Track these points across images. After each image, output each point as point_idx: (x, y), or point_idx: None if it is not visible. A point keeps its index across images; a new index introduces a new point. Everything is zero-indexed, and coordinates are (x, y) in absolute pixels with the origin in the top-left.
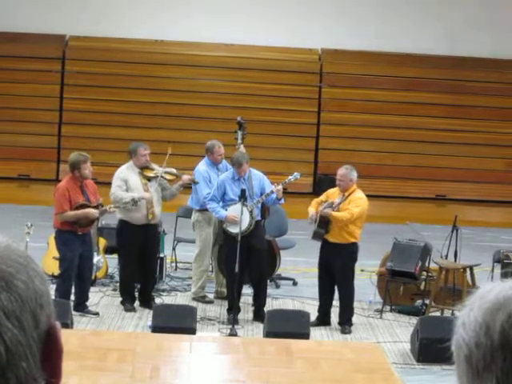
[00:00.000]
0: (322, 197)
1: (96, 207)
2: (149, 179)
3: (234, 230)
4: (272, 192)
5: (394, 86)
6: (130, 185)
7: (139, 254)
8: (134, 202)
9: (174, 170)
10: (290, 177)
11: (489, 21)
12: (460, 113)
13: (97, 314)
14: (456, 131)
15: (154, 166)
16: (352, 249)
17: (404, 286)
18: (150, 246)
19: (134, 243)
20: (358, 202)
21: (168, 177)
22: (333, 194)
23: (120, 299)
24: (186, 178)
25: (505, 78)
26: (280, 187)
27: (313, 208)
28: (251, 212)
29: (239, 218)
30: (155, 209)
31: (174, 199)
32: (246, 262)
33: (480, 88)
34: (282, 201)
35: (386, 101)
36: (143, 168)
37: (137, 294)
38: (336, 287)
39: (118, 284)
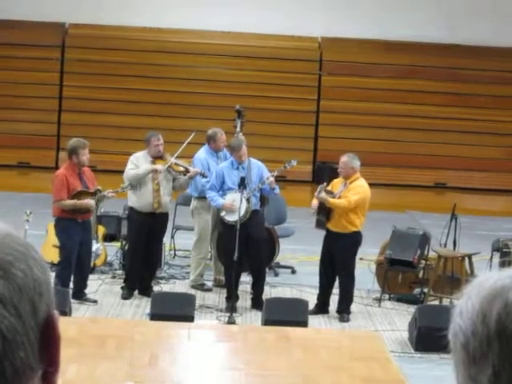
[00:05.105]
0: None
1: (94, 193)
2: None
3: (230, 218)
4: (267, 179)
5: (394, 74)
6: None
7: (145, 242)
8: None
9: (184, 164)
10: (287, 164)
11: (489, 8)
12: (460, 101)
13: (95, 301)
14: (456, 119)
15: (167, 156)
16: (353, 238)
17: (402, 274)
18: (155, 235)
19: (140, 230)
20: (358, 189)
21: (177, 168)
22: (337, 183)
23: (119, 286)
24: (194, 170)
25: (505, 67)
26: (271, 179)
27: (315, 199)
28: (248, 200)
29: (237, 206)
30: (163, 198)
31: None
32: (245, 251)
33: (480, 76)
34: (277, 190)
35: (385, 89)
36: (156, 158)
37: None
38: (337, 276)
39: (116, 272)
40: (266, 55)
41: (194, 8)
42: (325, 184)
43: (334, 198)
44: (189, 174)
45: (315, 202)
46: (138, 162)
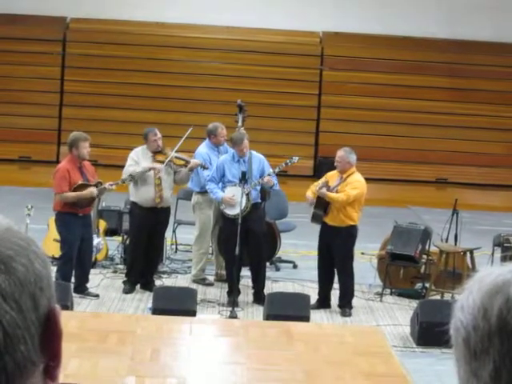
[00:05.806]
0: (322, 180)
1: (95, 186)
2: (160, 164)
3: (230, 211)
4: (269, 175)
5: (395, 69)
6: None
7: (147, 237)
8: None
9: (184, 156)
10: (288, 161)
11: (490, 4)
12: (461, 96)
13: (97, 296)
14: (457, 115)
15: (167, 150)
16: (350, 232)
17: (404, 269)
18: (157, 230)
19: (142, 225)
20: (356, 184)
21: (177, 162)
22: (332, 176)
23: (121, 280)
24: (194, 161)
25: (506, 62)
26: (267, 179)
27: (310, 192)
28: (248, 194)
29: (238, 200)
30: (164, 192)
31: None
32: (245, 245)
33: (481, 72)
34: (276, 186)
35: (386, 84)
36: (156, 152)
37: None
38: (336, 270)
39: (118, 266)
40: (267, 50)
41: (195, 2)
42: (327, 181)
43: (331, 192)
44: (189, 166)
45: (310, 195)
46: (138, 158)
